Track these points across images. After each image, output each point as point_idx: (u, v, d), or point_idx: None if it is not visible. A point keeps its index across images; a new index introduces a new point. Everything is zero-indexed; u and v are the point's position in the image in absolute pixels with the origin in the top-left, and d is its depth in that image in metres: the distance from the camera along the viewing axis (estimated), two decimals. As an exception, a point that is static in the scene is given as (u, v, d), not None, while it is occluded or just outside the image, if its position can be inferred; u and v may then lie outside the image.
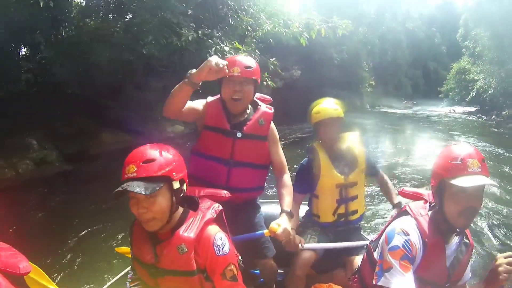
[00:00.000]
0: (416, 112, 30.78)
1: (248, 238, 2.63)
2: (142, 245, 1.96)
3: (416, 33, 46.35)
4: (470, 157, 1.81)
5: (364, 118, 19.82)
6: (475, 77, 27.19)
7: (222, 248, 1.91)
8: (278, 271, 3.11)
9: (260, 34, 10.15)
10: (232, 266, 1.95)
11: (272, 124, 2.86)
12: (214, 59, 2.42)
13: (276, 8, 10.62)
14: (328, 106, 3.12)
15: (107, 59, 9.31)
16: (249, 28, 9.97)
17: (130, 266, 2.19)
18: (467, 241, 2.11)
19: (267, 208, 3.40)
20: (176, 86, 2.38)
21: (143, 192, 1.65)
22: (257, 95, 2.88)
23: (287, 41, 10.85)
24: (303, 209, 3.40)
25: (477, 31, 26.48)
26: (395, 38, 39.18)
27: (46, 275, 1.99)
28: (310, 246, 2.96)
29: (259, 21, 10.03)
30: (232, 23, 9.66)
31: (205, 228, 1.93)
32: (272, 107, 2.90)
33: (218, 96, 2.75)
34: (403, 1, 41.20)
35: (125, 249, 2.58)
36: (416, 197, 2.25)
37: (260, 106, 2.85)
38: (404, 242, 1.93)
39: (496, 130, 19.88)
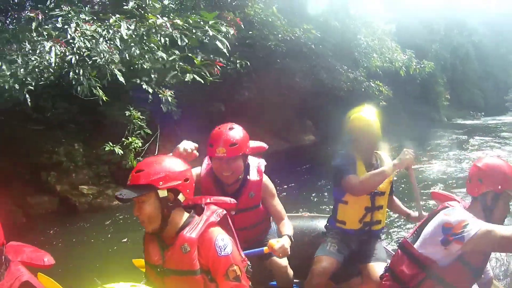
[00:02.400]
0: (485, 122, 31.76)
1: (249, 254, 2.68)
2: (151, 248, 2.21)
3: (483, 44, 46.45)
4: None
5: (443, 131, 21.59)
6: None
7: (224, 249, 2.10)
8: (295, 281, 3.29)
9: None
10: (235, 267, 2.11)
11: (265, 179, 3.12)
12: (182, 145, 2.69)
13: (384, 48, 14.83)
14: (364, 115, 3.29)
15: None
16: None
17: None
18: None
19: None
20: None
21: (124, 197, 1.98)
22: (252, 143, 3.04)
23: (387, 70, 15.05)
24: (322, 222, 3.69)
25: None
26: (464, 53, 40.03)
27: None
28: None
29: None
30: (365, 65, 13.70)
31: (207, 229, 2.15)
32: (263, 166, 3.15)
33: (210, 165, 3.00)
34: (467, 15, 41.67)
35: (141, 263, 2.61)
36: (449, 198, 2.54)
37: (250, 174, 3.07)
38: (467, 214, 2.23)
39: None
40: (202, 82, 8.15)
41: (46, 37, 6.46)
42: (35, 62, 6.12)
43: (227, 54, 8.74)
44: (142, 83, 7.38)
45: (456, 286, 2.24)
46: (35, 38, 6.43)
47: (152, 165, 2.10)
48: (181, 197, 2.13)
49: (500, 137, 19.33)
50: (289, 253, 2.76)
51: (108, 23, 7.12)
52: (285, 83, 12.02)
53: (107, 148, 7.36)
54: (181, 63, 8.01)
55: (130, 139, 7.52)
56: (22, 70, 6.01)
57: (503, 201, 2.29)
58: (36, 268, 1.98)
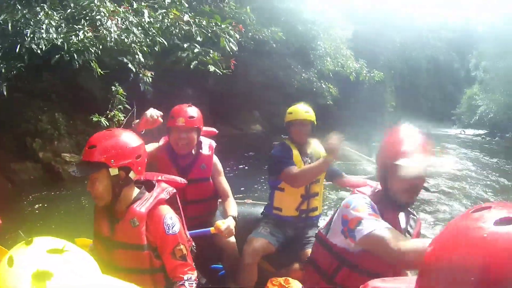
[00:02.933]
0: (429, 130, 32.51)
1: (196, 234, 2.89)
2: (101, 220, 2.31)
3: (436, 58, 48.73)
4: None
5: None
6: (479, 103, 31.55)
7: (172, 228, 2.22)
8: None
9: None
10: (182, 246, 2.23)
11: (215, 159, 3.48)
12: (149, 112, 2.92)
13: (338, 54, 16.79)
14: (300, 109, 3.62)
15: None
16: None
17: None
18: (414, 217, 2.40)
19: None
20: None
21: (76, 175, 2.15)
22: (204, 128, 3.42)
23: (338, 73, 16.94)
24: (258, 210, 3.86)
25: (486, 63, 30.72)
26: (416, 64, 42.32)
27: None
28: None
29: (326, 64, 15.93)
30: (319, 67, 15.41)
31: (157, 206, 2.27)
32: (214, 144, 3.53)
33: (167, 140, 3.38)
34: (423, 28, 43.95)
35: (84, 241, 2.72)
36: (359, 185, 2.51)
37: (202, 149, 3.43)
38: (366, 201, 2.18)
39: (496, 148, 23.80)
40: (220, 73, 9.46)
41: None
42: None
43: (232, 53, 9.97)
44: (127, 62, 7.91)
45: (372, 272, 2.08)
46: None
47: (104, 141, 2.17)
48: (132, 174, 2.22)
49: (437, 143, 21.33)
50: (234, 233, 3.04)
51: (132, 8, 8.15)
52: (241, 74, 12.99)
53: (94, 119, 7.65)
54: (201, 56, 9.17)
55: (114, 112, 7.98)
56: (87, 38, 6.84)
57: (393, 174, 2.15)
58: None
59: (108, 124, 7.61)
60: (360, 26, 24.77)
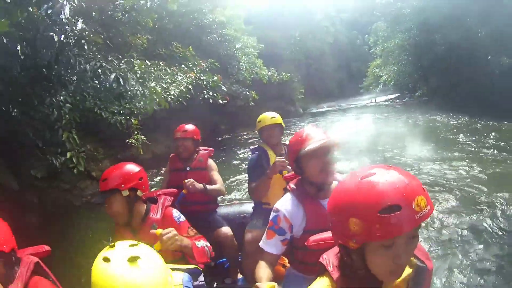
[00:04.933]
0: (339, 107, 36.20)
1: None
2: (124, 235, 2.86)
3: (338, 41, 52.19)
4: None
5: (299, 120, 26.11)
6: (380, 74, 35.89)
7: (179, 218, 3.02)
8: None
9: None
10: (191, 228, 3.03)
11: (210, 161, 4.66)
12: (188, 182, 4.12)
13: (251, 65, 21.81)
14: (267, 115, 4.33)
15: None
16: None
17: None
18: None
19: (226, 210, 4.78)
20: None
21: (97, 202, 2.76)
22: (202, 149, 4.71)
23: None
24: (249, 206, 4.67)
25: (380, 40, 34.36)
26: (319, 51, 45.73)
27: None
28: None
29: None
30: (240, 79, 19.97)
31: (165, 210, 3.05)
32: (212, 150, 4.77)
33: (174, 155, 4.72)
34: (322, 20, 47.52)
35: None
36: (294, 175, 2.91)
37: (200, 151, 4.67)
38: (272, 217, 2.69)
39: (402, 107, 27.48)
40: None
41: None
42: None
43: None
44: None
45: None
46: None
47: (113, 172, 2.85)
48: (139, 192, 2.92)
49: (347, 116, 24.35)
50: (196, 187, 4.12)
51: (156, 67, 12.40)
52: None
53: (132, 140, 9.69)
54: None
55: (136, 137, 9.83)
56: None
57: (306, 162, 2.70)
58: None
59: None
60: (260, 30, 28.64)
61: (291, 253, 2.80)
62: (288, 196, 2.74)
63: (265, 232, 2.68)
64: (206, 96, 14.65)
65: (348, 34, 57.00)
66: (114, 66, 8.34)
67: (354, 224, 1.43)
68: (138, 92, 8.96)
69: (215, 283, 4.30)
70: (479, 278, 5.03)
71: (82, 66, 7.09)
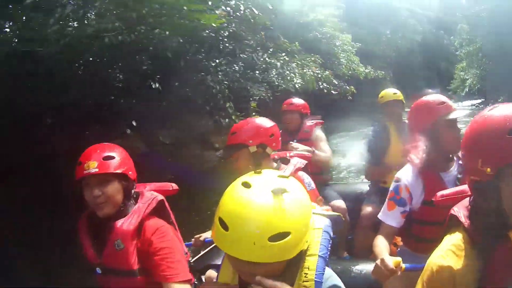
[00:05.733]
0: None
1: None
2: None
3: (426, 40, 50.78)
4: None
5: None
6: (466, 77, 35.14)
7: (310, 185, 2.83)
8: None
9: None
10: (320, 198, 2.86)
11: (318, 130, 4.84)
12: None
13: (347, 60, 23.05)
14: (389, 91, 4.46)
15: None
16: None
17: None
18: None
19: None
20: None
21: (222, 156, 2.76)
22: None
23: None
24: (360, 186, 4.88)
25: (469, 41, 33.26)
26: (408, 49, 45.11)
27: None
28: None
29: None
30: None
31: (296, 173, 2.71)
32: (320, 122, 4.96)
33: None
34: (408, 17, 46.95)
35: None
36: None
37: (308, 123, 4.84)
38: (393, 187, 2.66)
39: None
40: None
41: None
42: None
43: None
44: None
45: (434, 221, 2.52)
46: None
47: (243, 127, 2.76)
48: (268, 150, 2.74)
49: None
50: (301, 148, 4.10)
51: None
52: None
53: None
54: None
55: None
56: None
57: (445, 129, 2.69)
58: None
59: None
60: (355, 28, 29.63)
61: (407, 228, 2.78)
62: (408, 167, 2.76)
63: (385, 203, 2.71)
64: (321, 86, 15.99)
65: (436, 33, 55.42)
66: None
67: (486, 150, 1.44)
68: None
69: None
70: None
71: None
